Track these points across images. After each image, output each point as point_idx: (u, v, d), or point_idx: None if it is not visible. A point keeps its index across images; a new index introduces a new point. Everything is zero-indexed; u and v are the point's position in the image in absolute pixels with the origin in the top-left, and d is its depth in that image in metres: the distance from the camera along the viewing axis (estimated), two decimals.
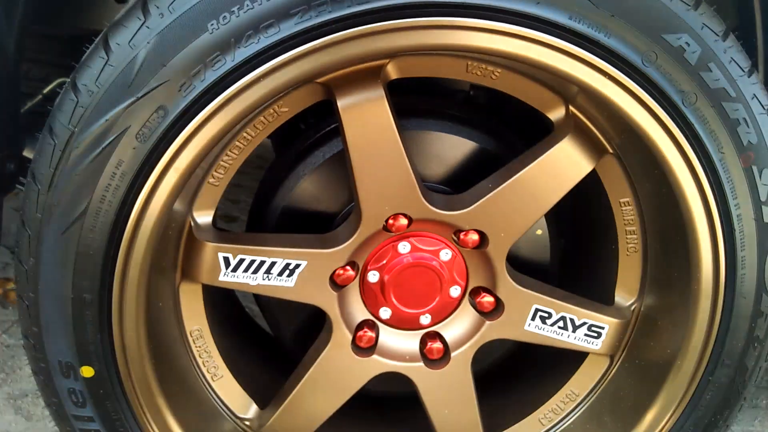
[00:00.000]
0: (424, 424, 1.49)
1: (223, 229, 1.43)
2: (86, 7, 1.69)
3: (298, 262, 1.35)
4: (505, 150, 1.50)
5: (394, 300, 1.43)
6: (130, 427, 1.34)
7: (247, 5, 1.12)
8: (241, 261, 1.35)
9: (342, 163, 1.41)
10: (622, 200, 1.43)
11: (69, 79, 1.18)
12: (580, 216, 1.63)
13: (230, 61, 1.13)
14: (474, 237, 1.38)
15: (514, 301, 1.42)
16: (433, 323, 1.47)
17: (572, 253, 1.68)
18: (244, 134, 1.34)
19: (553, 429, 1.55)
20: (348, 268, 1.39)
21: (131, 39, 1.13)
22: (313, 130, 1.55)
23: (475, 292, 1.45)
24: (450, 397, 1.47)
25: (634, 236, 1.45)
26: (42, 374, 1.32)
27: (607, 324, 1.45)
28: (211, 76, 1.14)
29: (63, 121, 1.17)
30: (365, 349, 1.45)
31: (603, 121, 1.33)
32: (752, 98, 1.23)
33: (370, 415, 1.65)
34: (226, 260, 1.35)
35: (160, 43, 1.12)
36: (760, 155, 1.25)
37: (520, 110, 1.44)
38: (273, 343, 1.69)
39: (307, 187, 1.48)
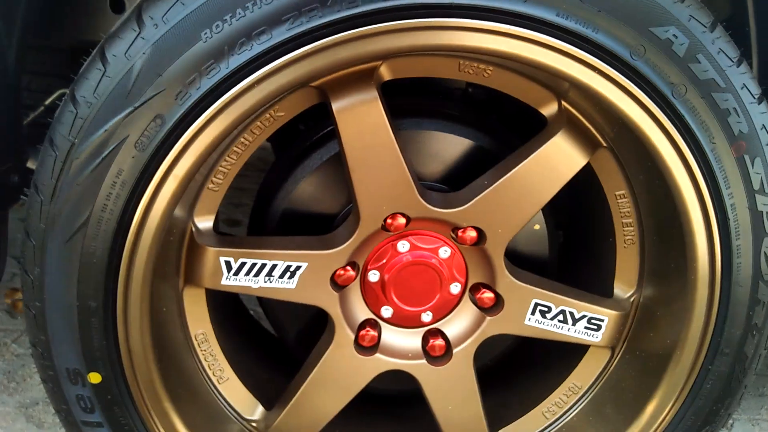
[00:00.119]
0: (429, 421, 1.50)
1: (224, 234, 1.45)
2: (85, 18, 1.71)
3: (299, 264, 1.37)
4: (501, 146, 1.51)
5: (395, 299, 1.44)
6: (138, 431, 1.36)
7: (239, 13, 1.13)
8: (243, 264, 1.37)
9: (340, 164, 1.42)
10: (617, 193, 1.44)
11: (68, 91, 1.20)
12: (577, 210, 1.64)
13: (224, 69, 1.15)
14: (472, 234, 1.40)
15: (513, 296, 1.44)
16: (435, 320, 1.48)
17: (571, 246, 1.69)
18: (242, 139, 1.35)
19: (557, 422, 1.56)
20: (348, 268, 1.41)
21: (127, 50, 1.15)
22: (310, 132, 1.56)
23: (475, 288, 1.46)
24: (453, 393, 1.49)
25: (631, 228, 1.46)
26: (51, 382, 1.34)
27: (607, 316, 1.46)
28: (206, 83, 1.16)
29: (63, 133, 1.19)
30: (368, 348, 1.47)
31: (595, 116, 1.34)
32: (742, 88, 1.23)
33: (374, 413, 1.67)
34: (228, 264, 1.37)
35: (156, 54, 1.14)
36: (752, 144, 1.26)
37: (520, 105, 1.45)
38: (277, 344, 1.70)
39: (306, 189, 1.50)
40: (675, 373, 1.40)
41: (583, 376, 1.54)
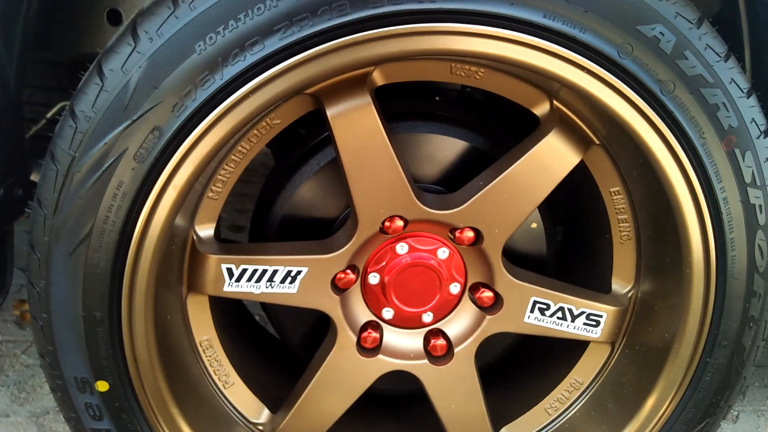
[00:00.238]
0: (430, 421, 1.52)
1: (225, 241, 1.46)
2: (83, 32, 1.73)
3: (300, 268, 1.39)
4: (496, 147, 1.52)
5: (395, 300, 1.46)
6: None
7: (232, 25, 1.15)
8: (244, 271, 1.39)
9: (337, 169, 1.44)
10: (612, 189, 1.45)
11: (67, 106, 1.23)
12: (573, 207, 1.65)
13: (219, 80, 1.17)
14: (469, 234, 1.41)
15: (512, 295, 1.45)
16: (435, 321, 1.50)
17: (568, 244, 1.70)
18: (239, 148, 1.37)
19: (559, 418, 1.57)
20: (348, 271, 1.43)
21: (123, 64, 1.17)
22: (307, 138, 1.58)
23: (474, 288, 1.48)
24: (456, 391, 1.50)
25: (627, 224, 1.47)
26: (59, 391, 1.36)
27: (605, 312, 1.47)
28: (201, 95, 1.18)
29: (64, 147, 1.21)
30: (370, 349, 1.48)
31: (587, 114, 1.35)
32: (730, 82, 1.24)
33: (379, 413, 1.68)
34: (230, 271, 1.39)
35: (151, 67, 1.16)
36: (742, 138, 1.27)
37: (518, 105, 1.46)
38: (281, 347, 1.72)
39: (305, 194, 1.52)
40: (674, 366, 1.41)
41: (585, 371, 1.55)
